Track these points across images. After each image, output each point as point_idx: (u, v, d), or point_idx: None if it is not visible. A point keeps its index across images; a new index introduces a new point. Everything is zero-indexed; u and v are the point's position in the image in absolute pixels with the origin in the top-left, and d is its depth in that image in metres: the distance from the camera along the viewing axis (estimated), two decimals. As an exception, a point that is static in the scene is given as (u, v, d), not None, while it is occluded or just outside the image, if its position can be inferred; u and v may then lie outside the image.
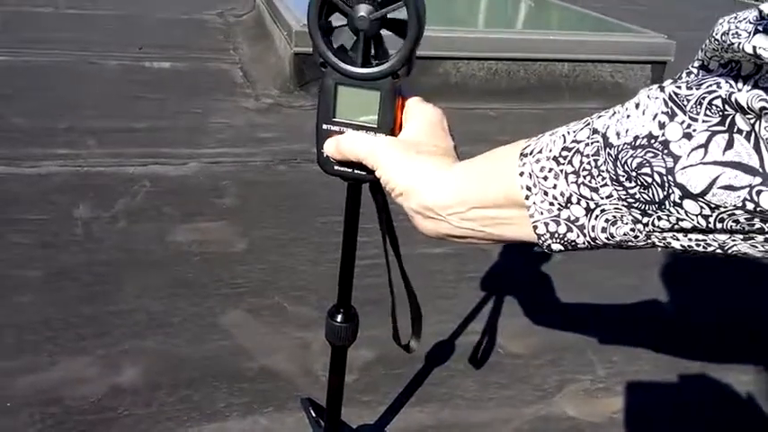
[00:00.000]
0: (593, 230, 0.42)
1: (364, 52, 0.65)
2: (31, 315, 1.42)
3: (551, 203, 0.42)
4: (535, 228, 0.44)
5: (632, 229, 0.40)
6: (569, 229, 0.43)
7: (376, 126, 0.67)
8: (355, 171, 0.71)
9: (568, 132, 0.43)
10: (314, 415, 1.06)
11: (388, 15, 0.64)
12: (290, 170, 2.24)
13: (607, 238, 0.42)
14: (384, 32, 0.64)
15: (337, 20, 0.67)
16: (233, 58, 3.48)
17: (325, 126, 0.69)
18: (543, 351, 1.46)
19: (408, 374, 1.36)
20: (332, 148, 0.58)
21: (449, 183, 0.49)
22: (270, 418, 1.23)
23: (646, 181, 0.36)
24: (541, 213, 0.43)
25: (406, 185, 0.50)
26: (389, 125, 0.67)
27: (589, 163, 0.40)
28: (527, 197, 0.43)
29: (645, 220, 0.39)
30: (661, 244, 0.40)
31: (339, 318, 0.92)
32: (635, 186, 0.37)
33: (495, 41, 3.18)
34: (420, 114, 0.55)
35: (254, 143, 2.44)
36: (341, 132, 0.67)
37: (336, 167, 0.72)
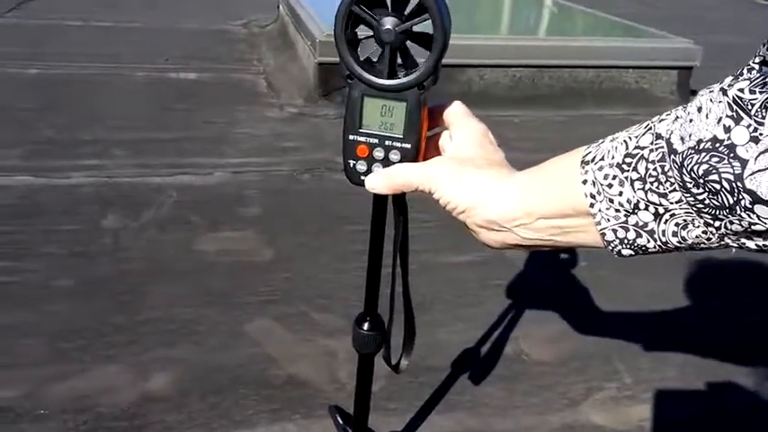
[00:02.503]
0: (663, 235, 0.42)
1: (390, 64, 0.66)
2: (63, 324, 1.45)
3: (617, 210, 0.43)
4: (603, 235, 0.44)
5: (704, 232, 0.40)
6: (638, 235, 0.43)
7: (402, 137, 0.68)
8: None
9: (629, 138, 0.43)
10: (341, 422, 1.06)
11: (414, 28, 0.65)
12: (315, 179, 2.26)
13: (679, 242, 0.42)
14: (409, 44, 0.65)
15: (363, 32, 0.69)
16: (257, 69, 3.52)
17: (351, 137, 0.69)
18: (569, 358, 1.46)
19: (434, 382, 1.36)
20: (379, 183, 0.57)
21: (512, 195, 0.49)
22: (298, 425, 1.24)
23: (714, 187, 0.36)
24: (608, 220, 0.43)
25: (469, 202, 0.50)
26: (416, 136, 0.68)
27: (655, 169, 0.40)
28: (591, 205, 0.44)
29: (717, 223, 0.38)
30: (735, 245, 0.40)
31: (366, 326, 0.92)
32: (703, 192, 0.37)
33: (518, 48, 3.18)
34: (466, 129, 0.55)
35: (279, 152, 2.46)
36: (367, 143, 0.68)
37: (363, 178, 0.73)
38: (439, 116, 0.60)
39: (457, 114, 0.57)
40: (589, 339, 1.52)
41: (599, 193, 0.43)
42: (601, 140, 0.45)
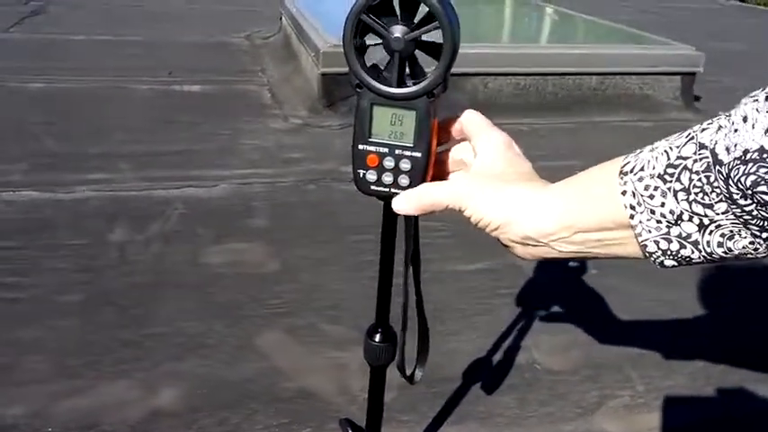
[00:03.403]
0: (708, 246, 0.41)
1: (399, 72, 0.65)
2: (69, 339, 1.44)
3: (659, 221, 0.42)
4: (645, 246, 0.43)
5: (751, 243, 0.39)
6: (682, 246, 0.42)
7: (412, 145, 0.67)
8: (392, 190, 0.70)
9: (670, 148, 0.42)
10: (354, 436, 1.05)
11: (423, 36, 0.64)
12: (320, 189, 2.25)
13: (724, 252, 0.41)
14: (418, 52, 0.64)
15: (371, 40, 0.68)
16: (261, 80, 3.53)
17: (360, 146, 0.69)
18: (581, 367, 1.44)
19: (446, 393, 1.34)
20: (406, 205, 0.55)
21: (548, 209, 0.47)
22: (308, 439, 1.23)
23: (762, 199, 0.35)
24: (649, 232, 0.42)
25: (503, 219, 0.49)
26: (426, 145, 0.67)
27: (700, 180, 0.39)
28: (632, 216, 0.42)
29: (764, 234, 0.38)
30: None
31: (378, 338, 0.91)
32: (751, 204, 0.36)
33: (522, 56, 3.18)
34: (489, 141, 0.54)
35: (284, 163, 2.46)
36: (377, 152, 0.67)
37: (373, 187, 0.72)
38: (449, 128, 0.58)
39: (477, 125, 0.55)
40: (601, 347, 1.50)
41: (639, 204, 0.42)
42: (639, 150, 0.44)
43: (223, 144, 2.61)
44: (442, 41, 0.65)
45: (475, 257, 1.84)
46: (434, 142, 0.67)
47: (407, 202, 0.55)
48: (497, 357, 1.45)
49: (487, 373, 1.41)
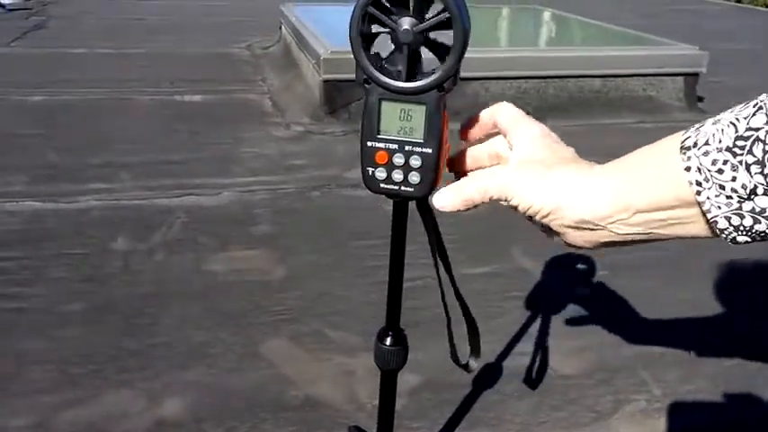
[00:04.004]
0: None
1: (409, 66, 0.63)
2: (73, 349, 1.42)
3: (729, 197, 0.40)
4: (715, 223, 0.41)
5: None
6: (756, 221, 0.40)
7: (422, 141, 0.65)
8: (402, 188, 0.68)
9: (737, 120, 0.40)
10: (364, 443, 1.02)
11: (433, 28, 0.62)
12: (323, 196, 2.23)
13: None
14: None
15: (378, 36, 0.66)
16: (262, 89, 3.52)
17: (369, 143, 0.66)
18: (595, 371, 1.41)
19: (457, 399, 1.31)
20: (450, 200, 0.53)
21: (604, 190, 0.45)
22: (317, 447, 1.20)
23: None
24: (719, 208, 0.40)
25: (553, 204, 0.47)
26: (437, 140, 0.65)
27: None
28: (698, 193, 0.40)
29: None
30: None
31: (388, 341, 0.89)
32: None
33: (522, 60, 3.16)
34: (526, 132, 0.52)
35: (286, 171, 2.44)
36: (387, 149, 0.65)
37: (383, 185, 0.70)
38: (477, 124, 0.56)
39: (511, 119, 0.53)
40: (614, 350, 1.48)
41: (707, 180, 0.40)
42: (698, 124, 0.42)
43: (225, 153, 2.59)
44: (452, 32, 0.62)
45: (481, 261, 1.82)
46: (445, 137, 0.65)
47: (450, 196, 0.52)
48: (508, 362, 1.43)
49: (498, 378, 1.38)
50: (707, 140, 0.40)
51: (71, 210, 2.06)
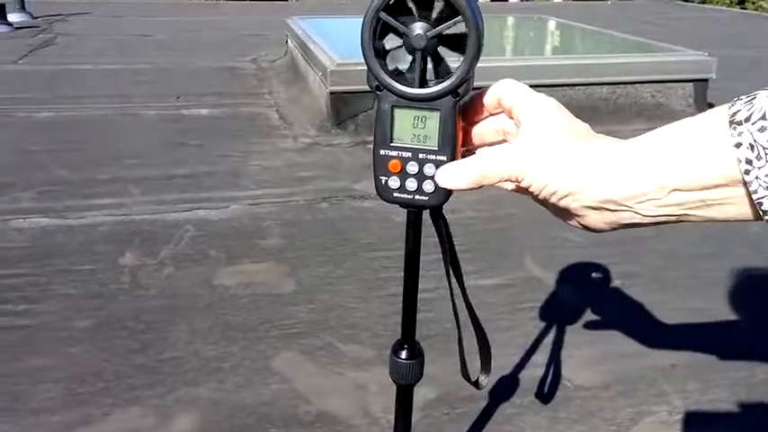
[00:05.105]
0: None
1: (421, 72, 0.62)
2: (82, 366, 1.40)
3: None
4: (760, 204, 0.37)
5: None
6: None
7: (436, 149, 0.63)
8: (416, 197, 0.66)
9: None
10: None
11: (445, 31, 0.60)
12: (332, 208, 2.21)
13: None
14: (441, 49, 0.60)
15: (390, 42, 0.64)
16: (268, 102, 3.52)
17: (382, 152, 0.65)
18: (613, 382, 1.38)
19: (472, 413, 1.29)
20: (455, 177, 0.49)
21: (636, 167, 0.41)
22: (331, 464, 1.18)
23: None
24: (766, 188, 0.37)
25: (574, 183, 0.43)
26: (451, 147, 0.63)
27: None
28: (747, 171, 0.37)
29: None
30: None
31: (404, 355, 0.87)
32: None
33: (530, 69, 3.15)
34: (538, 107, 0.47)
35: (295, 183, 2.43)
36: (400, 157, 0.64)
37: (396, 194, 0.68)
38: (482, 106, 0.51)
39: (519, 93, 0.48)
40: (631, 361, 1.45)
41: (759, 157, 0.36)
42: (748, 96, 0.38)
43: (233, 166, 2.58)
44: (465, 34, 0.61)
45: (491, 272, 1.79)
46: (460, 144, 0.63)
47: (456, 174, 0.48)
48: (524, 374, 1.40)
49: (514, 391, 1.36)
50: (763, 114, 0.36)
51: (79, 226, 2.05)
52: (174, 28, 5.91)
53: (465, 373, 0.79)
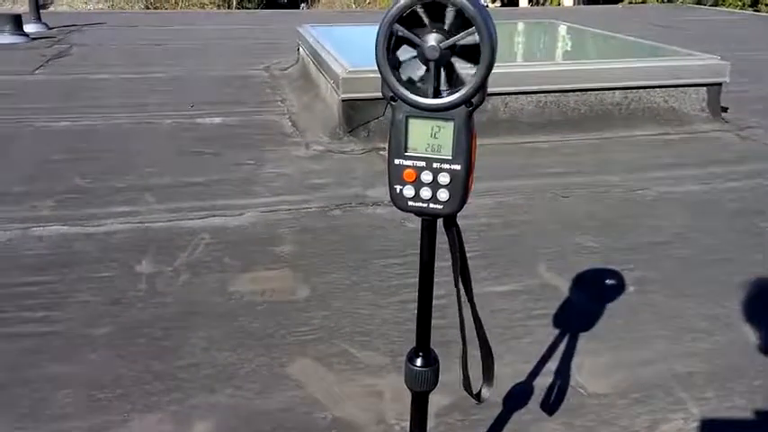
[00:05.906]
0: None
1: (435, 82, 0.62)
2: (101, 373, 1.42)
3: None
4: None
5: None
6: None
7: (451, 158, 0.64)
8: (430, 206, 0.67)
9: None
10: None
11: (459, 43, 0.61)
12: (345, 215, 2.22)
13: None
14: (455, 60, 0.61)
15: (404, 53, 0.65)
16: (281, 110, 3.54)
17: (397, 161, 0.66)
18: (629, 389, 1.38)
19: (487, 420, 1.29)
20: None
21: None
22: (347, 470, 1.18)
23: None
24: None
25: None
26: (465, 156, 0.64)
27: None
28: None
29: None
30: None
31: (419, 362, 0.87)
32: None
33: (541, 74, 3.15)
34: None
35: (308, 190, 2.44)
36: (414, 167, 0.64)
37: (411, 203, 0.69)
38: None
39: None
40: (647, 368, 1.44)
41: None
42: None
43: (247, 173, 2.60)
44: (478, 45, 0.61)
45: (505, 279, 1.79)
46: (474, 153, 0.64)
47: None
48: (538, 381, 1.40)
49: (529, 397, 1.36)
50: None
51: (97, 233, 2.07)
52: (186, 37, 5.96)
53: (467, 385, 0.79)
